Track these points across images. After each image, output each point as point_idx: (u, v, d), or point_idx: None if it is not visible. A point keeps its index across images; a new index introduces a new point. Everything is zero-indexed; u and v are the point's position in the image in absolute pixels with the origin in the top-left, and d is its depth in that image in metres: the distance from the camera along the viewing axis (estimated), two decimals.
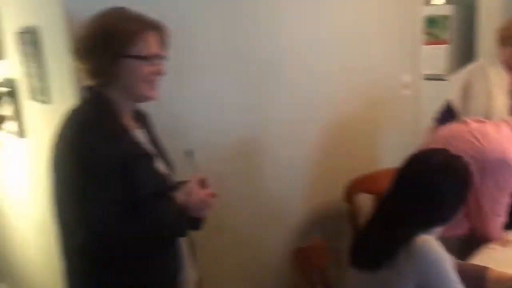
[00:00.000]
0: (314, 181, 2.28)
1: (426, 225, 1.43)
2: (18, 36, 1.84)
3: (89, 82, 1.30)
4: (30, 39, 1.74)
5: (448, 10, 3.84)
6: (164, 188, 1.32)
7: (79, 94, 1.57)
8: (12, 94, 2.03)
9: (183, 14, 1.77)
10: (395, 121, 2.60)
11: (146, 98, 1.32)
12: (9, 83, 2.05)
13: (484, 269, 1.59)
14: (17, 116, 2.04)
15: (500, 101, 2.27)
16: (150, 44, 1.26)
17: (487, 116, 2.22)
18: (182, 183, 1.37)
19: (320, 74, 2.23)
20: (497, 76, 2.29)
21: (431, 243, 1.39)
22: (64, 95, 1.70)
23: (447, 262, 1.38)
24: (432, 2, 4.08)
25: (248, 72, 2.00)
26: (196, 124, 1.87)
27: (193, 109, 1.86)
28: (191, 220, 1.35)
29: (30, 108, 1.96)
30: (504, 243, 1.86)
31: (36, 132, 1.98)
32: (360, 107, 2.42)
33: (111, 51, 1.22)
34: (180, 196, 1.32)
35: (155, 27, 1.28)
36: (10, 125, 2.14)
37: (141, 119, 1.43)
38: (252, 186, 2.09)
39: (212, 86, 1.90)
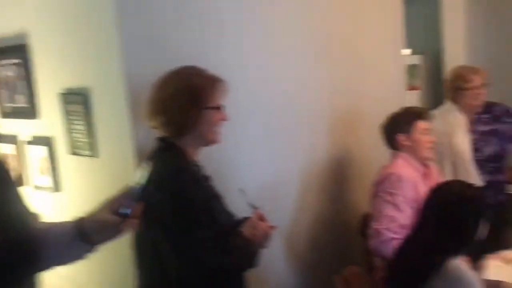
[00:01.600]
0: (332, 214, 2.51)
1: (454, 252, 1.64)
2: (62, 97, 2.00)
3: (162, 133, 1.48)
4: (78, 99, 1.90)
5: (417, 60, 4.30)
6: (233, 224, 1.49)
7: (129, 147, 1.75)
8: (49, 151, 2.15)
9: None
10: None
11: (214, 143, 1.52)
12: (44, 140, 2.17)
13: (498, 283, 1.82)
14: (53, 171, 2.15)
15: (461, 140, 2.61)
16: (220, 95, 1.48)
17: (453, 153, 2.58)
18: (245, 219, 1.54)
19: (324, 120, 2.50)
20: (455, 119, 2.64)
21: (462, 266, 1.59)
22: (113, 149, 1.86)
23: (479, 283, 1.58)
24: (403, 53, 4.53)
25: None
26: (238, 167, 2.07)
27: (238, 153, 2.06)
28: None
29: (69, 162, 2.09)
30: (507, 260, 2.11)
31: (75, 185, 2.10)
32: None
33: (197, 105, 1.42)
34: (245, 230, 1.49)
35: (221, 80, 1.50)
36: (41, 180, 2.23)
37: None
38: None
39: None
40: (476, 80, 2.63)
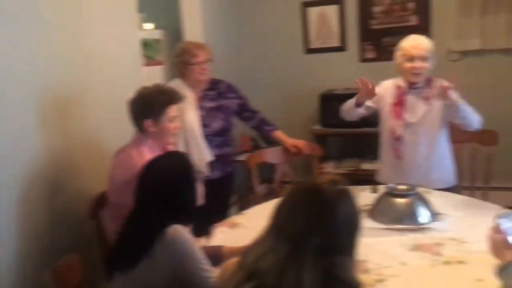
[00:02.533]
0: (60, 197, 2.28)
1: (174, 220, 1.64)
2: None
3: None
4: None
5: (158, 35, 4.28)
6: None
7: None
8: None
9: None
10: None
11: None
12: None
13: (219, 247, 1.91)
14: None
15: (191, 116, 2.70)
16: None
17: (184, 129, 2.63)
18: None
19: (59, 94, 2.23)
20: (184, 95, 2.67)
21: (180, 231, 1.60)
22: None
23: (195, 245, 1.62)
24: (145, 27, 4.44)
25: None
26: None
27: None
28: None
29: None
30: (231, 225, 2.25)
31: None
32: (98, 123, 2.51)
33: None
34: None
35: None
36: None
37: None
38: None
39: None
40: (201, 56, 2.71)
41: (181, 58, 2.72)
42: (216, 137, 2.81)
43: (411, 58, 2.55)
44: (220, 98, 2.85)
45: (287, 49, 4.38)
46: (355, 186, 2.54)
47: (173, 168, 1.70)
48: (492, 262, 1.63)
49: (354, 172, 3.93)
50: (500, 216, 1.67)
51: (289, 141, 2.97)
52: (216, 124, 2.80)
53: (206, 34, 3.81)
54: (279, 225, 1.18)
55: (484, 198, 2.77)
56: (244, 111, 2.98)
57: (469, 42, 3.81)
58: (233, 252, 1.83)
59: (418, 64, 2.54)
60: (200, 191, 1.79)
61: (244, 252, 1.23)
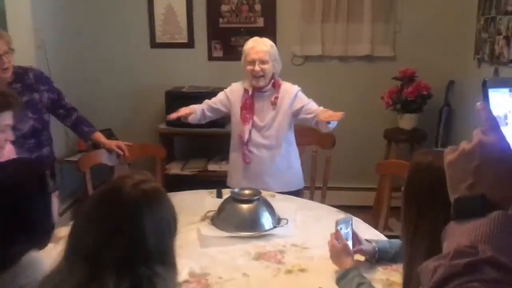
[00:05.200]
0: None
1: (22, 242, 1.29)
2: None
3: None
4: None
5: None
6: None
7: None
8: None
9: None
10: None
11: None
12: None
13: None
14: None
15: None
16: None
17: None
18: None
19: None
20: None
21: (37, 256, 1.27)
22: None
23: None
24: None
25: None
26: None
27: None
28: None
29: None
30: (55, 239, 1.92)
31: None
32: None
33: None
34: None
35: None
36: None
37: None
38: None
39: None
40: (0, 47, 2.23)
41: None
42: (28, 139, 2.40)
43: (252, 61, 2.51)
44: (28, 91, 2.41)
45: (133, 42, 4.09)
46: (199, 191, 2.47)
47: (18, 178, 1.34)
48: (333, 269, 1.63)
49: (201, 173, 3.81)
50: (339, 222, 1.67)
51: (111, 142, 2.69)
52: (26, 125, 2.38)
53: (35, 18, 3.33)
54: (74, 242, 0.99)
55: (323, 198, 2.86)
56: (58, 108, 2.58)
57: (311, 47, 3.96)
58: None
59: (257, 67, 2.50)
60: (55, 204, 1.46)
61: (40, 283, 1.01)
